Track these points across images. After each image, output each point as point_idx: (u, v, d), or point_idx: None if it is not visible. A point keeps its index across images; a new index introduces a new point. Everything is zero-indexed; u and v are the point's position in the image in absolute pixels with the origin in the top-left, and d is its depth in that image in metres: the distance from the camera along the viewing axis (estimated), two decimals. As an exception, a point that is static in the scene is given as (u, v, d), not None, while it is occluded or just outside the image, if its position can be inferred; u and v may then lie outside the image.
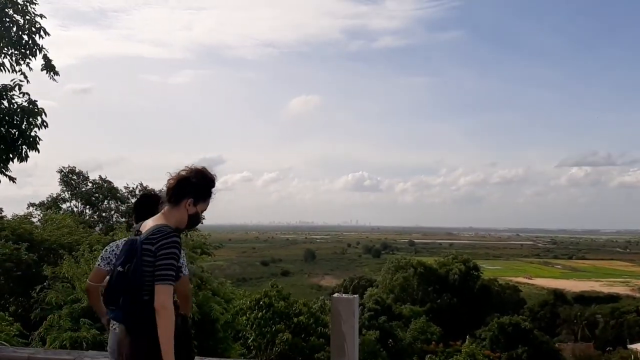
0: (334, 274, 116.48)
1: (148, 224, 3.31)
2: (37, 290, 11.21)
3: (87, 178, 25.46)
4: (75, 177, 25.23)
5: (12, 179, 10.95)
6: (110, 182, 25.51)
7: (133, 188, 25.31)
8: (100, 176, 25.66)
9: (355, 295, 5.28)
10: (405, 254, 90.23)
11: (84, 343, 7.99)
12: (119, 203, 25.09)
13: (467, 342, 31.02)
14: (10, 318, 9.52)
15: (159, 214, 3.37)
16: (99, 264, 4.00)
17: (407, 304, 50.04)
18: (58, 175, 25.14)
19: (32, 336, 9.82)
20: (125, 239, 3.87)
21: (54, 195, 25.09)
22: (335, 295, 5.30)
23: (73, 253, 11.60)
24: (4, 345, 6.67)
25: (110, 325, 3.83)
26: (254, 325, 16.49)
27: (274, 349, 13.44)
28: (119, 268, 3.18)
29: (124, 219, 23.21)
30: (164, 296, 3.02)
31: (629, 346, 50.58)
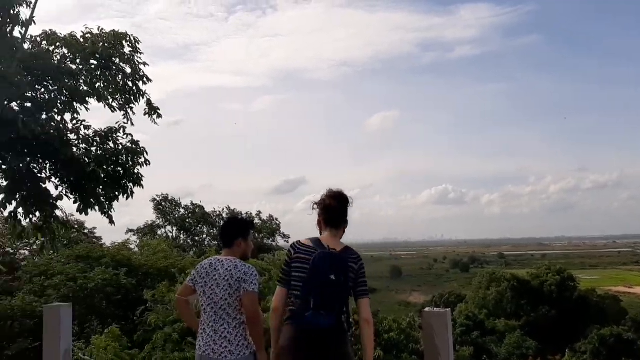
0: (421, 290, 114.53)
1: (329, 241, 3.64)
2: (138, 313, 11.88)
3: (179, 204, 26.70)
4: (167, 204, 26.47)
5: (112, 221, 11.76)
6: (202, 207, 26.62)
7: (220, 212, 26.26)
8: (191, 202, 26.86)
9: (447, 309, 5.29)
10: (495, 267, 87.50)
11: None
12: (210, 227, 26.06)
13: (567, 355, 29.63)
14: (120, 333, 10.08)
15: (331, 235, 3.71)
16: (188, 281, 4.16)
17: (501, 318, 48.41)
18: (152, 204, 26.49)
19: (138, 357, 10.38)
20: (215, 257, 4.07)
21: (149, 222, 26.44)
22: (427, 309, 5.32)
23: (176, 278, 12.23)
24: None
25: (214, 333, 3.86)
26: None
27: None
28: (332, 276, 3.42)
29: (215, 242, 24.09)
30: (369, 309, 3.55)
31: None
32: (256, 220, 26.32)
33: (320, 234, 3.81)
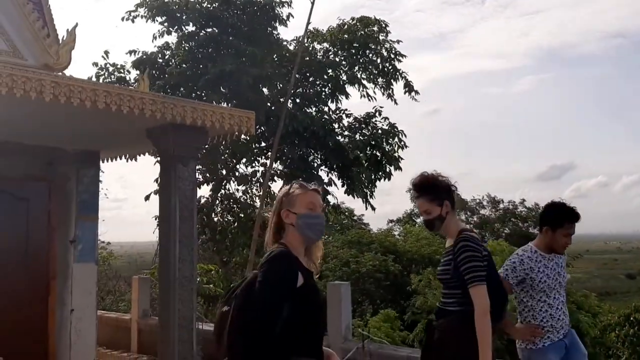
0: None
1: None
2: (407, 297, 12.30)
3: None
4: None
5: (373, 208, 12.27)
6: (459, 194, 26.35)
7: (480, 199, 25.67)
8: (451, 188, 26.74)
9: None
10: None
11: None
12: (469, 214, 25.67)
13: None
14: (396, 314, 10.50)
15: None
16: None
17: None
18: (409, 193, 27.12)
19: (408, 338, 10.71)
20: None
21: (409, 211, 27.06)
22: None
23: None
24: (384, 343, 7.38)
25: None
26: (626, 343, 14.87)
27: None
28: None
29: (477, 230, 23.71)
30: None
31: None
32: (520, 209, 25.10)
33: None
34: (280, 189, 2.62)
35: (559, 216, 3.83)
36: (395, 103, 12.02)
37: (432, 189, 3.33)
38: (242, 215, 12.25)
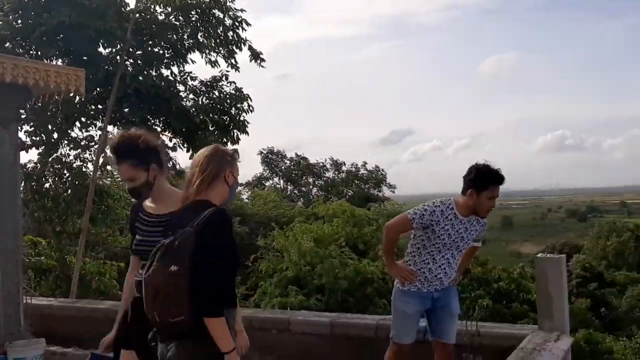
0: (534, 240, 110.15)
1: None
2: (251, 260, 12.40)
3: (284, 156, 27.30)
4: (274, 157, 27.15)
5: None
6: (306, 159, 27.04)
7: (324, 163, 26.56)
8: (296, 153, 27.38)
9: (562, 255, 5.00)
10: (616, 217, 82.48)
11: (290, 308, 8.62)
12: (316, 178, 26.47)
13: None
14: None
15: None
16: None
17: (621, 270, 45.82)
18: (259, 157, 27.30)
19: (248, 302, 10.90)
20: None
21: (257, 175, 27.32)
22: (540, 255, 5.06)
23: (283, 225, 12.59)
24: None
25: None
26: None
27: (474, 314, 13.25)
28: None
29: (322, 193, 24.51)
30: None
31: None
32: (362, 171, 26.31)
33: None
34: (217, 147, 2.72)
35: (484, 179, 3.86)
36: (237, 71, 11.83)
37: (134, 151, 2.91)
38: (77, 183, 11.48)
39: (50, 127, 11.46)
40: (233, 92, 11.77)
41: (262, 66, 11.87)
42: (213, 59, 11.81)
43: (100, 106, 11.52)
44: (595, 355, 9.78)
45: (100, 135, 11.38)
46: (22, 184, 9.90)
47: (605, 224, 60.22)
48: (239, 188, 26.75)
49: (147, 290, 2.43)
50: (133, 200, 3.27)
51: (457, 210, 3.90)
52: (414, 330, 4.11)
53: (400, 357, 4.11)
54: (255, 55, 11.83)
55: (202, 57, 11.85)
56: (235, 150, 2.77)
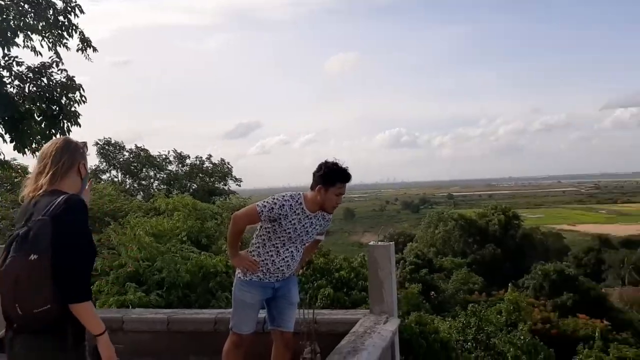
0: (373, 230, 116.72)
1: None
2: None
3: (123, 148, 25.95)
4: (111, 148, 25.71)
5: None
6: (146, 150, 25.96)
7: (166, 155, 25.74)
8: (136, 145, 26.10)
9: (391, 242, 5.30)
10: (444, 208, 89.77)
11: (129, 305, 8.27)
12: (157, 170, 25.54)
13: (509, 290, 30.92)
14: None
15: None
16: None
17: (448, 256, 50.05)
18: (95, 149, 25.69)
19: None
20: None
21: (93, 167, 25.70)
22: (372, 243, 5.32)
23: (120, 220, 11.94)
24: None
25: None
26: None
27: (317, 303, 13.67)
28: None
29: (164, 186, 23.71)
30: None
31: (678, 287, 49.70)
32: (206, 164, 25.84)
33: None
34: (69, 139, 2.75)
35: (332, 176, 3.94)
36: (62, 63, 10.95)
37: None
38: None
39: None
40: (64, 80, 10.91)
41: (90, 60, 11.12)
42: (39, 44, 10.84)
43: None
44: (424, 335, 10.56)
45: None
46: None
47: (434, 214, 65.21)
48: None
49: (6, 282, 2.32)
50: None
51: (305, 206, 3.98)
52: (254, 321, 4.13)
53: (239, 348, 4.11)
54: (87, 44, 11.04)
55: (27, 42, 10.85)
56: (85, 143, 2.79)
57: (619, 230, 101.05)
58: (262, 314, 4.30)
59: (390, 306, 4.96)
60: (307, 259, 4.61)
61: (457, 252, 54.12)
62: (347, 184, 4.04)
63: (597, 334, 22.12)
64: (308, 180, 4.10)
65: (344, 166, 3.96)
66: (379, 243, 5.22)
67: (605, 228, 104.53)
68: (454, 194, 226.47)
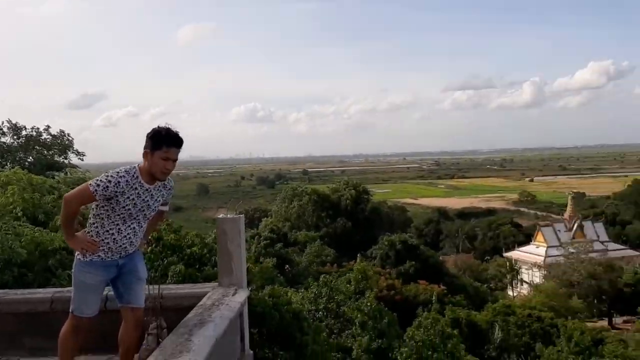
0: (227, 206, 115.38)
1: None
2: None
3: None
4: None
5: None
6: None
7: (1, 126, 23.45)
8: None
9: (240, 215, 5.26)
10: (299, 183, 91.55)
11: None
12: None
13: (358, 260, 32.44)
14: None
15: None
16: None
17: (302, 230, 51.26)
18: None
19: None
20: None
21: None
22: (221, 216, 5.24)
23: None
24: None
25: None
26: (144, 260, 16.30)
27: (167, 281, 13.28)
28: None
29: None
30: None
31: (505, 254, 55.45)
32: (44, 136, 23.85)
33: None
34: None
35: (158, 138, 3.74)
36: None
37: None
38: None
39: None
40: None
41: None
42: None
43: None
44: (277, 307, 10.76)
45: None
46: None
47: (289, 189, 66.31)
48: None
49: None
50: None
51: (142, 179, 3.79)
52: (97, 303, 3.93)
53: (78, 332, 3.90)
54: None
55: None
56: None
57: (455, 203, 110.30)
58: (108, 291, 4.10)
59: (239, 278, 4.94)
60: (150, 232, 4.42)
61: (311, 226, 55.65)
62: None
63: (434, 298, 24.05)
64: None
65: (175, 131, 3.78)
66: (229, 215, 5.16)
67: (443, 201, 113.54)
68: (308, 169, 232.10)
